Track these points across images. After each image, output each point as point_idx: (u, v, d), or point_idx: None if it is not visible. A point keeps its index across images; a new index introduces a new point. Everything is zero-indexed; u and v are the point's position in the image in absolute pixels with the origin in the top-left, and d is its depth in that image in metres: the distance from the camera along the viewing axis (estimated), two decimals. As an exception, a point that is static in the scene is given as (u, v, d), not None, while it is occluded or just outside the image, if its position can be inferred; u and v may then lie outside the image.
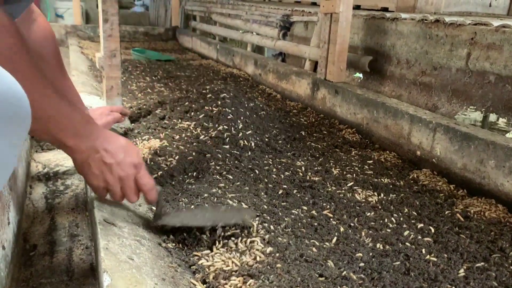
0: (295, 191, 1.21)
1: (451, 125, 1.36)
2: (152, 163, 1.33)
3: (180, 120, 1.66)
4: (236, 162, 1.37)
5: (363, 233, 1.01)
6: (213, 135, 1.52)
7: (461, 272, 0.87)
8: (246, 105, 2.08)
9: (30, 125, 0.63)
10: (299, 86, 2.30)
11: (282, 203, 1.13)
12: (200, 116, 1.66)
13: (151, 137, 1.54)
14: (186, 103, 1.84)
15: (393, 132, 1.59)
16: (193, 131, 1.56)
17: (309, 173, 1.36)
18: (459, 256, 0.94)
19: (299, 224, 1.04)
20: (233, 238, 0.93)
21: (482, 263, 0.91)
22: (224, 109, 1.69)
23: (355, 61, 2.10)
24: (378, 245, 0.96)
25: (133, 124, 1.70)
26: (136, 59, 3.49)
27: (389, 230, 1.03)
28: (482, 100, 1.53)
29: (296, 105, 2.24)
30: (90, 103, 1.73)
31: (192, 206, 1.05)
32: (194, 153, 1.38)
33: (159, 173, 1.25)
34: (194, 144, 1.46)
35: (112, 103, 1.64)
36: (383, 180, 1.34)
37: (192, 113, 1.71)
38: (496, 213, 1.14)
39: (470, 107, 1.56)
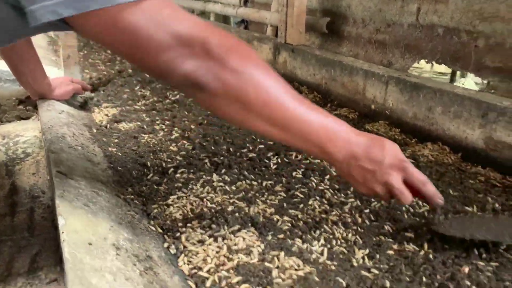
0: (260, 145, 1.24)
1: (401, 77, 1.41)
2: (111, 129, 1.34)
3: (138, 87, 1.67)
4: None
5: (317, 180, 1.06)
6: (172, 100, 1.54)
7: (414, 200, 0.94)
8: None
9: (286, 137, 0.74)
10: (261, 52, 2.32)
11: (245, 162, 1.16)
12: (159, 85, 1.68)
13: (111, 104, 1.55)
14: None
15: (350, 89, 1.64)
16: (151, 98, 1.58)
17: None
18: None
19: (251, 168, 1.10)
20: (190, 186, 0.97)
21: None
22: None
23: (313, 24, 2.13)
24: (335, 185, 1.03)
25: (93, 94, 1.69)
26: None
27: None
28: (432, 52, 1.59)
29: (258, 71, 2.25)
30: (48, 74, 1.71)
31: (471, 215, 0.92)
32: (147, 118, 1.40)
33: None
34: (153, 111, 1.49)
35: (70, 72, 1.63)
36: (339, 133, 1.39)
37: (153, 84, 1.72)
38: (443, 155, 1.21)
39: (422, 60, 1.62)
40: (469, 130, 1.19)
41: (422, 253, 0.79)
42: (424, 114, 1.32)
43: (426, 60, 1.61)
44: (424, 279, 0.72)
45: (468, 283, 0.71)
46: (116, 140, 1.25)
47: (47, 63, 2.06)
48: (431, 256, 0.78)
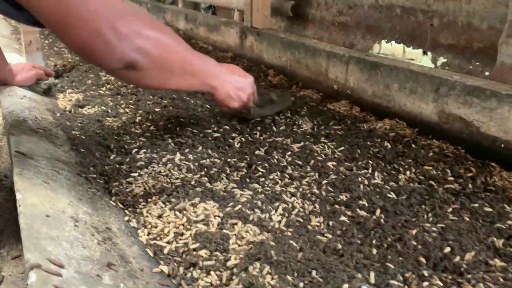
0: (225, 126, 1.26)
1: (361, 57, 1.45)
2: (75, 113, 1.34)
3: (103, 73, 1.66)
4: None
5: (279, 156, 1.09)
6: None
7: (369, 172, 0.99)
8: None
9: (192, 83, 1.01)
10: (228, 36, 2.33)
11: (209, 142, 1.18)
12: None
13: (75, 90, 1.54)
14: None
15: (313, 70, 1.67)
16: (115, 83, 1.57)
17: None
18: (367, 158, 1.06)
19: (215, 147, 1.12)
20: (153, 165, 0.98)
21: (388, 165, 1.04)
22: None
23: (279, 7, 2.15)
24: (296, 161, 1.06)
25: (57, 80, 1.68)
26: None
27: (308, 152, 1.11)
28: (391, 32, 1.63)
29: (226, 55, 2.27)
30: (10, 60, 1.68)
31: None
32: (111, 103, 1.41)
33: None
34: (117, 95, 1.49)
35: (32, 58, 1.61)
36: (303, 112, 1.42)
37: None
38: (399, 129, 1.25)
39: (382, 40, 1.66)
40: (424, 105, 1.23)
41: (374, 218, 0.83)
42: (382, 91, 1.37)
43: (386, 40, 1.65)
44: (374, 241, 0.77)
45: (414, 243, 0.76)
46: (80, 124, 1.25)
47: (9, 51, 2.03)
48: (382, 221, 0.82)
